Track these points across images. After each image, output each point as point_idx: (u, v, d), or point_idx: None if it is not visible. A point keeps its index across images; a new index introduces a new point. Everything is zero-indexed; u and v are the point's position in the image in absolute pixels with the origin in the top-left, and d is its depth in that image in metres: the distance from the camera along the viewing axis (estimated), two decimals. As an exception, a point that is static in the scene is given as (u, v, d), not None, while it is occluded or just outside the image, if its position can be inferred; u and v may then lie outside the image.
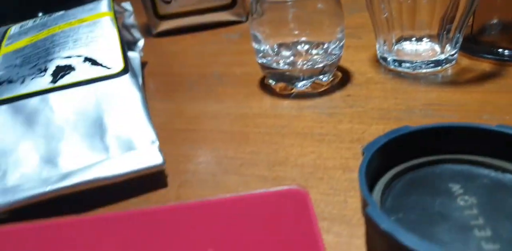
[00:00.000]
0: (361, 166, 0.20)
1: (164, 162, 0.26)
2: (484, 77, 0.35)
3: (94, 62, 0.32)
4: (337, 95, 0.35)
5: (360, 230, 0.21)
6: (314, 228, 0.20)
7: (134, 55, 0.42)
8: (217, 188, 0.26)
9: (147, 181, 0.27)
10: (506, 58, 0.37)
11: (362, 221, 0.22)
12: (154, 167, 0.26)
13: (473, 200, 0.19)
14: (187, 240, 0.20)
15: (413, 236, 0.16)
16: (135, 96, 0.30)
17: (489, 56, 0.37)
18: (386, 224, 0.16)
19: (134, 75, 0.32)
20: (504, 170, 0.21)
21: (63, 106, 0.29)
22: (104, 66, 0.32)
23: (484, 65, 0.37)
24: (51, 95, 0.30)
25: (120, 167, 0.25)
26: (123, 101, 0.30)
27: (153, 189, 0.26)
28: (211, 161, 0.28)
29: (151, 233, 0.21)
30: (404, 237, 0.16)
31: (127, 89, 0.30)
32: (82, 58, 0.32)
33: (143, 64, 0.46)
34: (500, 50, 0.38)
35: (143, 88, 0.34)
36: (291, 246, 0.19)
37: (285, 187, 0.22)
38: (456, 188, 0.20)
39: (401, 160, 0.22)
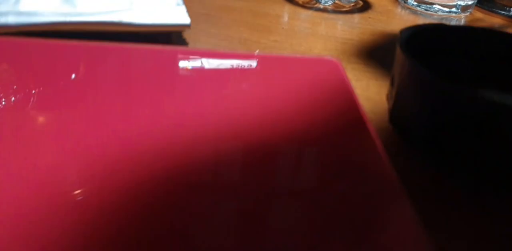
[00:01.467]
0: (401, 36, 0.20)
1: (190, 23, 0.25)
2: (495, 28, 0.36)
3: None
4: (358, 16, 0.35)
5: (381, 107, 0.22)
6: (348, 89, 0.20)
7: None
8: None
9: (166, 39, 0.26)
10: (515, 17, 0.39)
11: (383, 101, 0.23)
12: (179, 26, 0.25)
13: None
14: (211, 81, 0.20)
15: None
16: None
17: (502, 12, 0.39)
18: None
19: None
20: None
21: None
22: None
23: (496, 20, 0.38)
24: None
25: (144, 18, 0.24)
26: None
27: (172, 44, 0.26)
28: (234, 40, 0.28)
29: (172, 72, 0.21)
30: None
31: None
32: None
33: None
34: (512, 10, 0.40)
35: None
36: (329, 102, 0.19)
37: (318, 55, 0.23)
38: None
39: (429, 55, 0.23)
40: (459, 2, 0.38)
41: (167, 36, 0.27)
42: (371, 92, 0.23)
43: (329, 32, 0.31)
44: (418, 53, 0.23)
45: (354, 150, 0.16)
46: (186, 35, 0.27)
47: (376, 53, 0.28)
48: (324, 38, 0.30)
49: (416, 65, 0.18)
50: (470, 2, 0.39)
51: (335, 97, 0.19)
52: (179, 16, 0.25)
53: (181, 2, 0.27)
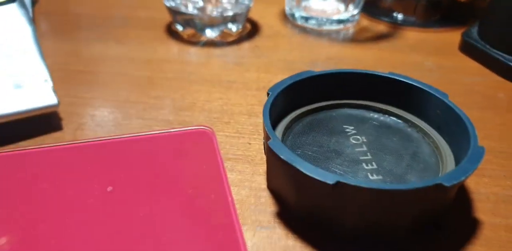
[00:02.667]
0: (265, 104, 0.20)
1: (59, 103, 0.24)
2: (380, 37, 0.37)
3: (-30, -13, 0.28)
4: (246, 45, 0.35)
5: (261, 168, 0.22)
6: (219, 166, 0.20)
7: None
8: (118, 131, 0.24)
9: (39, 124, 0.24)
10: (399, 22, 0.40)
11: (263, 160, 0.23)
12: (47, 108, 0.24)
13: (363, 139, 0.21)
14: (85, 180, 0.19)
15: (309, 165, 0.17)
16: (25, 28, 0.27)
17: (386, 19, 0.40)
18: (286, 154, 0.17)
19: (24, 6, 0.28)
20: (390, 114, 0.23)
21: None
22: (-16, -7, 0.28)
23: (381, 27, 0.39)
24: None
25: (7, 106, 0.23)
26: (11, 34, 0.26)
27: (46, 132, 0.24)
28: (112, 104, 0.27)
29: (45, 173, 0.20)
30: (302, 165, 0.17)
31: (15, 20, 0.27)
32: (-46, -19, 0.27)
33: (33, 2, 0.41)
34: (395, 14, 0.41)
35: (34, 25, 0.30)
36: (197, 182, 0.19)
37: (190, 127, 0.22)
38: (349, 129, 0.22)
39: (303, 103, 0.23)
40: (344, 14, 0.39)
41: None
42: (251, 151, 0.23)
43: (213, 74, 0.30)
44: (293, 106, 0.23)
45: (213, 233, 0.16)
46: (63, 107, 0.25)
47: (258, 99, 0.28)
48: (208, 85, 0.29)
49: (275, 147, 0.18)
50: (355, 12, 0.39)
51: (201, 181, 0.19)
52: (45, 96, 0.24)
53: (48, 76, 0.25)
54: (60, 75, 0.29)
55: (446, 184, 0.16)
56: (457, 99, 0.22)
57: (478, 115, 0.26)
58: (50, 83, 0.25)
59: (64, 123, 0.25)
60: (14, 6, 0.28)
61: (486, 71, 0.32)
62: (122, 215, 0.17)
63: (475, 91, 0.29)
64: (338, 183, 0.16)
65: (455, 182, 0.16)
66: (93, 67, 0.31)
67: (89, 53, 0.33)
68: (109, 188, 0.19)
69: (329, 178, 0.16)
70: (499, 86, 0.30)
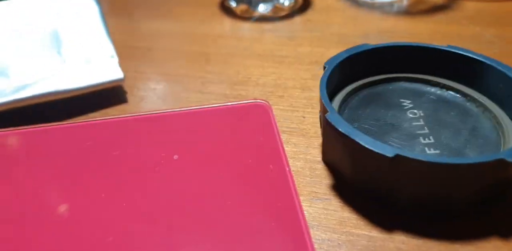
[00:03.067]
0: (322, 77, 0.21)
1: (124, 77, 0.26)
2: (435, 9, 0.36)
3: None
4: (298, 20, 0.35)
5: (316, 141, 0.23)
6: (276, 137, 0.21)
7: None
8: (178, 104, 0.26)
9: (106, 97, 0.26)
10: (458, -8, 0.38)
11: (318, 133, 0.23)
12: (113, 82, 0.25)
13: (421, 113, 0.21)
14: (152, 148, 0.21)
15: (368, 137, 0.17)
16: (93, 7, 0.28)
17: (443, -11, 0.39)
18: (344, 127, 0.18)
19: (88, -13, 0.29)
20: (448, 88, 0.23)
21: (11, 15, 0.27)
22: (53, -26, 0.29)
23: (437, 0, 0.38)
24: (-6, 3, 0.27)
25: (78, 81, 0.24)
26: (80, 14, 0.28)
27: (113, 105, 0.26)
28: (172, 79, 0.28)
29: (114, 142, 0.21)
30: (360, 138, 0.17)
31: (85, 0, 0.28)
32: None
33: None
34: (454, -16, 0.39)
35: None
36: (255, 153, 0.20)
37: (247, 101, 0.23)
38: (406, 102, 0.22)
39: (359, 77, 0.23)
40: (398, -15, 0.38)
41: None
42: (306, 124, 0.24)
43: (266, 49, 0.31)
44: (349, 80, 0.23)
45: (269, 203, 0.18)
46: (126, 81, 0.27)
47: (311, 73, 0.28)
48: (262, 59, 0.30)
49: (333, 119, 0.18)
50: (410, -17, 0.38)
51: (259, 151, 0.20)
52: (112, 71, 0.25)
53: (114, 52, 0.27)
54: (121, 52, 0.31)
55: (509, 160, 0.16)
56: (521, 73, 0.21)
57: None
58: (116, 59, 0.26)
59: (127, 96, 0.27)
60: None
61: (553, 43, 0.30)
62: (188, 181, 0.19)
63: (540, 65, 0.28)
64: (397, 156, 0.16)
65: (518, 157, 0.16)
66: (151, 44, 0.32)
67: (146, 30, 0.34)
68: (175, 156, 0.20)
69: (388, 151, 0.17)
70: None
